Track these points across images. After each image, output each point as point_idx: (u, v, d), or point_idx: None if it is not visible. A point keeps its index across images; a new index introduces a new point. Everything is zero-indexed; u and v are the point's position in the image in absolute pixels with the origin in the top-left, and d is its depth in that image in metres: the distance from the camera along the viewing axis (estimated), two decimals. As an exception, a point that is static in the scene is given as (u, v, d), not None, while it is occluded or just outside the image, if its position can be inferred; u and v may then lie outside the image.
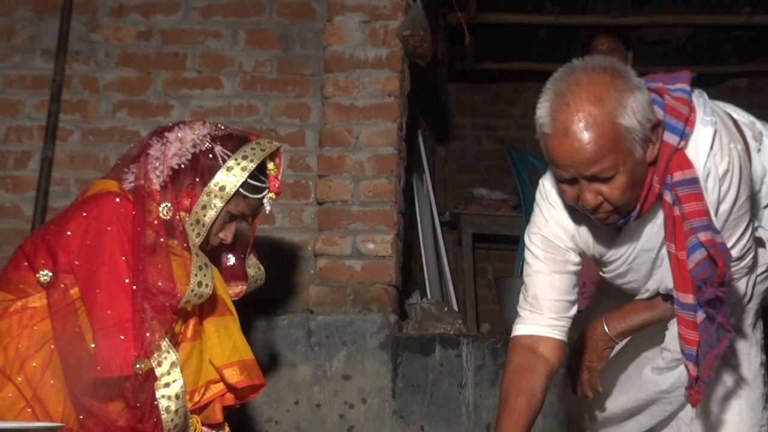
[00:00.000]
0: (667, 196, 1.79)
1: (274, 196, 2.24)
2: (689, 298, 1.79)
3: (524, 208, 5.22)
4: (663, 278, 1.95)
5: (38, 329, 1.97)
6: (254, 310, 3.27)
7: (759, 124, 2.05)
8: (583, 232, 1.96)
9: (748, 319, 2.04)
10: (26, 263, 2.03)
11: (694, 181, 1.75)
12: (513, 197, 5.49)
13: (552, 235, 1.96)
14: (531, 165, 5.41)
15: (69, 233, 1.98)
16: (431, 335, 3.33)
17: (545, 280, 1.97)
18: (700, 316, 1.79)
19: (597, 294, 2.42)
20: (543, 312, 1.98)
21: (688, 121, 1.77)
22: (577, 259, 1.98)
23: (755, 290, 2.01)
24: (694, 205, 1.74)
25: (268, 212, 2.26)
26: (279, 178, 2.25)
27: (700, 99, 1.85)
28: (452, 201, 5.85)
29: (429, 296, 4.01)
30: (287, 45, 3.60)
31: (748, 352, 2.05)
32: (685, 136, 1.77)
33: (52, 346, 1.96)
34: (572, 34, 5.90)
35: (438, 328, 3.41)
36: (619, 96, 1.69)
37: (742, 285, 1.95)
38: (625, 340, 2.13)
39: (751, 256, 1.94)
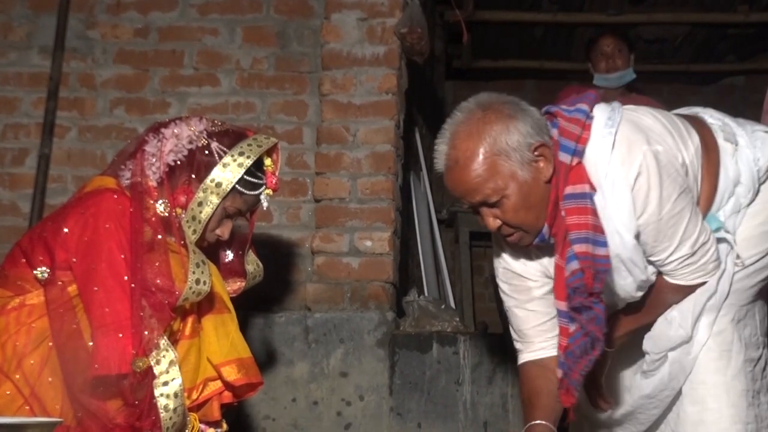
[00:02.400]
0: (562, 211, 1.90)
1: (271, 193, 2.24)
2: (563, 306, 1.92)
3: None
4: (618, 285, 2.00)
5: (36, 326, 1.97)
6: (252, 308, 3.27)
7: (735, 126, 2.10)
8: (533, 255, 2.08)
9: (729, 315, 2.05)
10: (24, 260, 2.03)
11: (582, 195, 1.87)
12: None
13: (509, 266, 2.12)
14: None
15: (66, 230, 1.98)
16: (428, 333, 3.33)
17: (520, 313, 2.12)
18: (574, 325, 1.90)
19: None
20: (533, 340, 2.12)
21: (580, 139, 1.89)
22: (539, 282, 2.09)
23: (733, 287, 2.04)
24: (576, 219, 1.86)
25: (265, 209, 2.26)
26: (276, 174, 2.24)
27: (604, 113, 1.94)
28: (449, 199, 5.85)
29: (426, 294, 4.01)
30: (284, 42, 3.60)
31: (728, 349, 2.05)
32: (577, 153, 1.88)
33: (50, 344, 1.96)
34: (569, 31, 5.90)
35: (435, 326, 3.41)
36: (490, 128, 1.87)
37: (712, 282, 2.00)
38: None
39: (710, 252, 1.98)
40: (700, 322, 2.04)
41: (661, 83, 6.55)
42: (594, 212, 1.87)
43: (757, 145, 2.08)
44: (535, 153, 1.89)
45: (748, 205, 2.08)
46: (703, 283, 2.02)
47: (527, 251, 2.07)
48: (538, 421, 2.01)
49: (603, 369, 2.10)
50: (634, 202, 1.89)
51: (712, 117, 2.14)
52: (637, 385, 2.11)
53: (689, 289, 2.03)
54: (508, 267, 2.12)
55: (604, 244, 1.86)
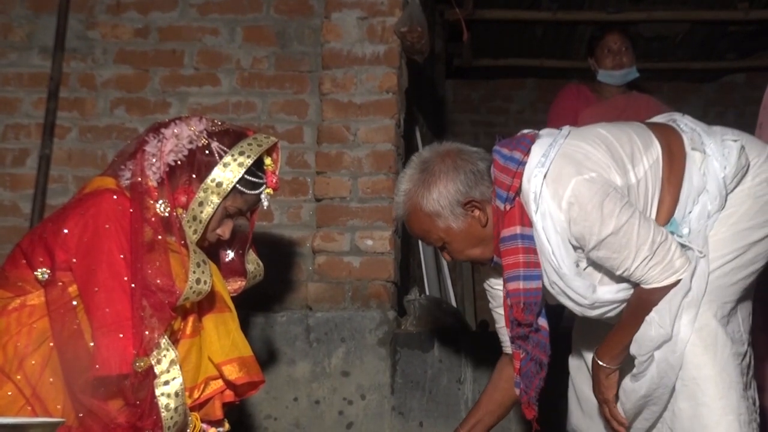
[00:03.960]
0: (501, 250, 2.15)
1: (271, 192, 2.24)
2: (509, 334, 2.21)
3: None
4: (578, 289, 2.12)
5: (37, 327, 1.97)
6: (253, 307, 3.27)
7: (705, 135, 2.18)
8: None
9: (710, 311, 2.10)
10: (24, 261, 2.03)
11: (513, 237, 2.10)
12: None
13: (486, 276, 2.39)
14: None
15: (66, 231, 1.98)
16: (430, 331, 3.33)
17: (495, 315, 2.39)
18: (522, 353, 2.19)
19: (577, 323, 2.50)
20: (505, 338, 2.37)
21: (511, 187, 2.10)
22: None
23: (713, 285, 2.10)
24: (508, 259, 2.12)
25: (265, 208, 2.26)
26: (276, 173, 2.24)
27: (539, 151, 2.11)
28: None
29: (427, 292, 4.01)
30: (285, 42, 3.60)
31: (713, 342, 2.09)
32: (509, 200, 2.11)
33: (51, 344, 1.96)
34: (570, 30, 5.90)
35: (437, 325, 3.41)
36: (423, 191, 2.13)
37: (686, 280, 2.06)
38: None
39: (671, 251, 2.05)
40: (681, 320, 2.08)
41: (662, 81, 6.54)
42: (525, 250, 2.10)
43: (724, 153, 2.15)
44: (466, 207, 2.13)
45: (719, 211, 2.14)
46: (678, 282, 2.06)
47: (499, 270, 2.25)
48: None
49: (614, 391, 2.19)
50: (577, 232, 2.05)
51: (686, 126, 2.23)
52: (631, 389, 2.15)
53: (665, 291, 2.07)
54: (487, 279, 2.39)
55: (537, 277, 2.11)
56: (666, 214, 2.15)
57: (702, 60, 6.35)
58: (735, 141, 2.17)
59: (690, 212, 2.14)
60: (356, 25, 3.49)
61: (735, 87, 6.70)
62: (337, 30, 3.49)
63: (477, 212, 2.14)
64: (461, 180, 2.13)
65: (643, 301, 2.10)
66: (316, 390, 3.28)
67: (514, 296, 2.11)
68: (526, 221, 2.10)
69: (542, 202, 2.07)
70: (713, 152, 2.15)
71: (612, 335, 2.17)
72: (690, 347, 2.09)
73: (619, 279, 2.13)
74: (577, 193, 2.03)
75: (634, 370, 2.13)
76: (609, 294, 2.14)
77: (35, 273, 2.00)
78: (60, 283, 1.96)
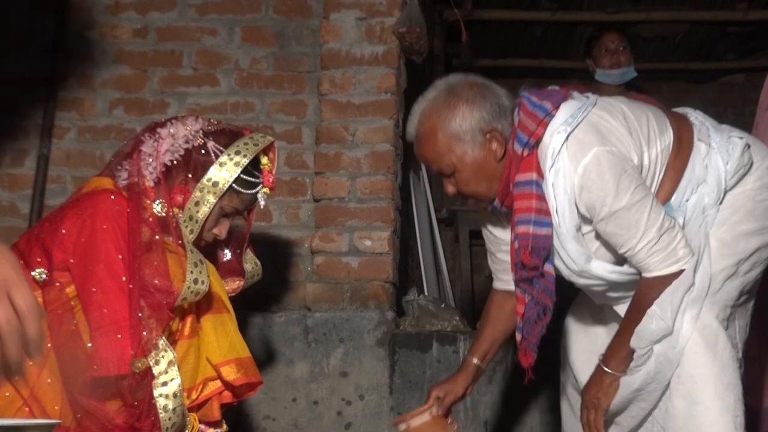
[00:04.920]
0: (512, 195, 2.15)
1: (268, 191, 2.23)
2: (514, 277, 2.19)
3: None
4: (570, 252, 2.13)
5: (35, 327, 1.96)
6: (251, 308, 3.27)
7: (712, 130, 2.20)
8: (505, 221, 2.31)
9: (713, 312, 2.10)
10: (21, 261, 2.02)
11: (528, 182, 2.09)
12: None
13: (485, 222, 2.42)
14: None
15: (64, 231, 1.98)
16: (428, 332, 3.33)
17: (492, 256, 2.45)
18: (528, 296, 2.16)
19: (572, 306, 2.51)
20: (500, 277, 2.43)
21: (533, 134, 2.09)
22: (505, 241, 2.30)
23: (716, 286, 2.11)
24: (521, 203, 2.10)
25: (262, 207, 2.25)
26: (273, 172, 2.24)
27: (567, 112, 2.11)
28: (449, 198, 5.85)
29: (426, 293, 4.01)
30: (283, 42, 3.60)
31: (714, 343, 2.09)
32: (528, 146, 2.09)
33: (49, 345, 1.95)
34: (569, 30, 5.90)
35: (435, 325, 3.40)
36: (447, 111, 2.12)
37: (689, 275, 2.06)
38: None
39: (677, 239, 2.05)
40: (684, 317, 2.08)
41: (661, 81, 6.55)
42: (539, 197, 2.08)
43: (728, 149, 2.17)
44: (487, 136, 2.12)
45: (715, 205, 2.15)
46: (680, 273, 2.06)
47: (499, 216, 2.31)
48: (471, 357, 2.40)
49: (611, 400, 2.16)
50: (589, 201, 2.05)
51: (696, 119, 2.25)
52: (625, 381, 2.14)
53: (666, 283, 2.07)
54: (484, 221, 2.42)
55: (548, 225, 2.08)
56: (663, 198, 2.15)
57: (701, 60, 6.35)
58: (740, 138, 2.20)
59: (687, 200, 2.15)
60: (355, 26, 3.49)
61: (734, 87, 6.71)
62: (335, 30, 3.49)
63: (495, 145, 2.12)
64: (486, 108, 2.12)
65: (644, 297, 2.09)
66: (315, 390, 3.27)
67: (523, 239, 2.09)
68: (540, 173, 2.10)
69: (559, 159, 2.06)
70: (718, 146, 2.17)
71: (616, 338, 2.15)
72: (691, 345, 2.09)
73: (616, 260, 2.13)
74: (597, 162, 2.03)
75: (632, 364, 2.12)
76: (601, 269, 2.14)
77: (33, 273, 1.99)
78: (57, 284, 1.96)
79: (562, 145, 2.06)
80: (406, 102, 3.68)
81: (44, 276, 1.98)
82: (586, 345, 2.39)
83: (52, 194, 3.54)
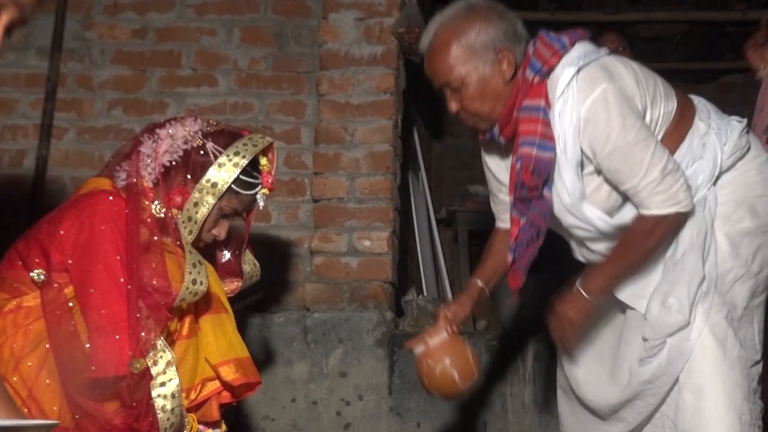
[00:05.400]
0: (516, 119, 2.17)
1: (267, 192, 2.23)
2: (512, 199, 2.21)
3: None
4: (567, 183, 2.15)
5: (33, 328, 1.97)
6: (250, 308, 3.27)
7: (714, 113, 2.25)
8: (504, 158, 2.37)
9: (722, 312, 2.13)
10: (20, 262, 2.02)
11: (536, 108, 2.12)
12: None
13: (486, 161, 2.45)
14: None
15: (62, 232, 1.98)
16: (427, 332, 3.32)
17: (493, 197, 2.49)
18: (524, 218, 2.19)
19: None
20: (501, 216, 2.48)
21: (547, 62, 2.13)
22: (504, 180, 2.35)
23: (722, 287, 2.14)
24: (526, 126, 2.13)
25: (261, 208, 2.25)
26: (272, 173, 2.24)
27: (581, 50, 2.15)
28: (448, 198, 5.85)
29: (425, 293, 4.01)
30: (282, 42, 3.60)
31: (723, 340, 2.11)
32: (540, 73, 2.13)
33: (48, 346, 1.95)
34: (567, 30, 5.89)
35: (434, 325, 3.40)
36: (464, 24, 2.15)
37: (699, 267, 2.10)
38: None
39: (680, 182, 2.08)
40: (697, 310, 2.11)
41: (660, 81, 6.54)
42: (545, 123, 2.11)
43: (727, 132, 2.21)
44: (499, 55, 2.14)
45: (708, 184, 2.17)
46: (677, 216, 2.09)
47: (501, 153, 2.36)
48: (476, 279, 2.44)
49: (583, 318, 2.20)
50: (593, 136, 2.08)
51: (699, 101, 2.30)
52: (636, 372, 2.16)
53: (661, 226, 2.10)
54: (486, 161, 2.44)
55: (551, 149, 2.11)
56: None
57: (700, 60, 6.34)
58: (740, 122, 2.25)
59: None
60: (354, 26, 3.49)
61: (733, 87, 6.70)
62: (334, 31, 3.49)
63: (506, 65, 2.15)
64: (503, 29, 2.16)
65: (637, 233, 2.12)
66: (314, 391, 3.27)
67: (525, 159, 2.11)
68: (548, 101, 2.12)
69: (568, 90, 2.10)
70: (717, 127, 2.21)
71: (601, 266, 2.19)
72: (702, 341, 2.11)
73: (606, 209, 2.16)
74: (604, 98, 2.06)
75: (644, 354, 2.14)
76: (590, 212, 2.17)
77: (31, 274, 1.99)
78: (56, 285, 1.96)
79: (573, 77, 2.09)
80: (405, 102, 3.68)
81: (42, 277, 1.98)
82: (583, 345, 2.40)
83: (51, 195, 3.54)
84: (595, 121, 2.06)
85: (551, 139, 2.10)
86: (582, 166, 2.14)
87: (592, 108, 2.06)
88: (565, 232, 2.29)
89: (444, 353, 2.27)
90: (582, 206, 2.16)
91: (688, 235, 2.15)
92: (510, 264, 2.26)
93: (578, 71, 2.09)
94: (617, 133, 2.05)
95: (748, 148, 2.24)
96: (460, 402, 3.23)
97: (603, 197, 2.17)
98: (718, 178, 2.20)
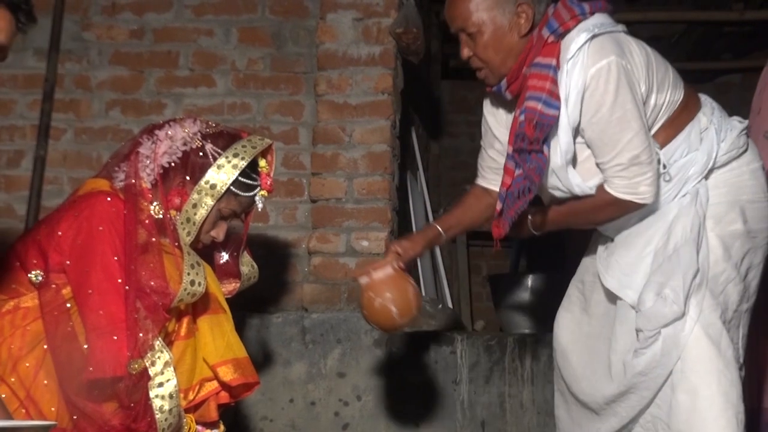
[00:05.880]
0: (526, 75, 2.22)
1: (266, 194, 2.23)
2: (510, 150, 2.24)
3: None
4: (562, 144, 2.19)
5: (31, 329, 1.97)
6: (248, 308, 3.27)
7: (717, 110, 2.29)
8: (505, 114, 2.41)
9: (717, 312, 2.15)
10: (18, 263, 2.02)
11: (547, 66, 2.16)
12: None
13: (486, 114, 2.48)
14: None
15: (60, 233, 1.98)
16: (426, 332, 3.33)
17: (483, 152, 2.52)
18: (519, 170, 2.20)
19: (562, 308, 2.53)
20: (485, 175, 2.53)
21: (564, 24, 2.17)
22: (501, 137, 2.41)
23: (726, 289, 2.17)
24: (535, 82, 2.16)
25: (260, 210, 2.26)
26: (271, 175, 2.24)
27: (599, 20, 2.20)
28: (446, 198, 5.85)
29: (423, 293, 4.01)
30: (280, 43, 3.60)
31: (718, 340, 2.13)
32: (556, 33, 2.17)
33: (45, 346, 1.95)
34: (565, 30, 5.89)
35: (432, 326, 3.40)
36: None
37: (693, 259, 2.13)
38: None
39: (647, 174, 2.13)
40: (690, 302, 2.13)
41: (658, 81, 6.54)
42: (553, 81, 2.15)
43: (727, 130, 2.26)
44: (518, 9, 2.20)
45: (700, 176, 2.21)
46: (633, 205, 2.15)
47: (504, 108, 2.38)
48: (436, 224, 2.49)
49: (524, 230, 2.35)
50: (586, 101, 2.13)
51: (705, 97, 2.35)
52: (629, 364, 2.17)
53: (616, 207, 2.17)
54: (486, 114, 2.47)
55: (556, 107, 2.14)
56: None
57: (697, 60, 6.35)
58: (741, 122, 2.29)
59: (675, 162, 2.22)
60: (351, 26, 3.49)
61: (731, 87, 6.70)
62: (332, 31, 3.49)
63: (523, 20, 2.20)
64: None
65: (594, 203, 2.21)
66: (312, 391, 3.27)
67: (530, 113, 2.15)
68: (559, 62, 2.17)
69: (579, 54, 2.14)
70: (717, 123, 2.25)
71: (552, 211, 2.31)
72: (696, 340, 2.12)
73: (586, 179, 2.22)
74: (608, 69, 2.10)
75: (638, 345, 2.16)
76: (573, 177, 2.22)
77: (29, 275, 1.99)
78: (54, 285, 1.96)
79: (585, 43, 2.13)
80: (403, 103, 3.68)
81: (40, 278, 1.98)
82: (579, 346, 2.40)
83: (49, 196, 3.53)
84: (593, 88, 2.11)
85: (557, 98, 2.14)
86: (577, 132, 2.19)
87: (595, 76, 2.11)
88: (545, 193, 2.34)
89: (385, 288, 2.33)
90: (568, 171, 2.21)
91: (680, 228, 2.18)
92: (497, 212, 2.28)
93: (592, 38, 2.14)
94: (607, 107, 2.11)
95: (745, 150, 2.27)
96: (458, 402, 3.23)
97: (591, 169, 2.22)
98: (710, 172, 2.23)
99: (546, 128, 2.14)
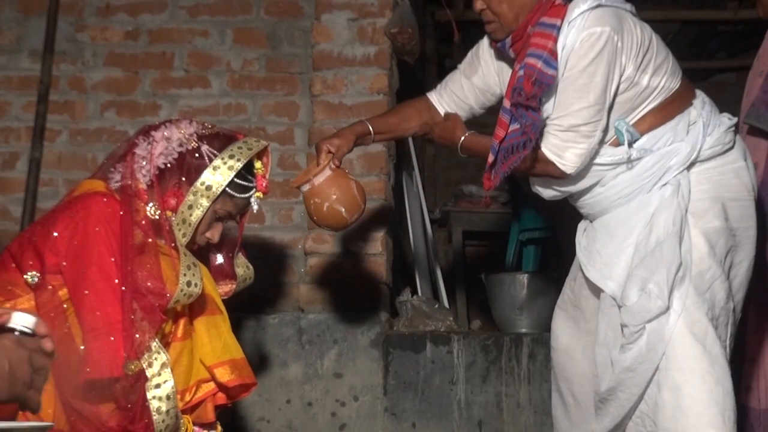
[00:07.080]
0: (532, 32, 2.24)
1: (261, 196, 2.24)
2: (507, 104, 2.24)
3: (514, 205, 5.22)
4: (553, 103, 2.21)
5: (27, 331, 1.96)
6: (245, 309, 3.26)
7: (709, 106, 2.31)
8: (500, 63, 2.44)
9: (703, 308, 2.15)
10: (13, 265, 2.02)
11: (552, 26, 2.19)
12: (503, 194, 5.49)
13: (481, 49, 2.49)
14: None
15: (56, 234, 1.97)
16: (422, 332, 3.33)
17: (455, 77, 2.53)
18: (516, 124, 2.20)
19: (558, 309, 2.53)
20: (443, 96, 2.53)
21: None
22: (486, 79, 2.47)
23: (712, 286, 2.17)
24: (538, 40, 2.19)
25: (255, 211, 2.25)
26: (266, 177, 2.24)
27: None
28: (442, 198, 5.85)
29: (420, 293, 4.01)
30: (275, 43, 3.60)
31: (703, 338, 2.13)
32: None
33: (42, 347, 1.95)
34: (560, 30, 5.90)
35: (429, 326, 3.41)
36: None
37: (676, 253, 2.13)
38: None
39: (579, 146, 2.17)
40: (674, 295, 2.14)
41: (652, 81, 6.55)
42: (555, 40, 2.18)
43: (716, 125, 2.28)
44: None
45: (682, 167, 2.22)
46: (553, 168, 2.20)
47: (503, 61, 2.41)
48: (368, 123, 2.50)
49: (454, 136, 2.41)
50: (570, 60, 2.17)
51: (700, 92, 2.38)
52: (617, 360, 2.18)
53: (539, 164, 2.21)
54: (483, 48, 2.48)
55: (555, 68, 2.16)
56: (646, 126, 2.25)
57: (692, 59, 6.35)
58: (730, 119, 2.31)
59: (659, 149, 2.23)
60: (346, 27, 3.49)
61: (725, 86, 6.71)
62: (327, 31, 3.49)
63: None
64: None
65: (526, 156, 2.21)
66: (309, 392, 3.27)
67: (530, 69, 2.17)
68: (563, 24, 2.20)
69: (579, 18, 2.18)
70: (706, 118, 2.27)
71: (481, 139, 2.35)
72: (680, 338, 2.12)
73: None
74: (598, 38, 2.14)
75: (623, 341, 2.16)
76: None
77: (25, 276, 1.99)
78: (50, 287, 1.95)
79: (589, 9, 2.17)
80: (397, 103, 3.68)
81: (36, 279, 1.98)
82: (576, 346, 2.41)
83: (44, 197, 3.53)
84: (576, 49, 2.16)
85: (557, 59, 2.18)
86: None
87: (584, 39, 2.15)
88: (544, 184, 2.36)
89: (329, 190, 2.34)
90: None
91: (662, 222, 2.19)
92: (488, 164, 2.26)
93: (597, 6, 2.17)
94: (577, 70, 2.15)
95: (731, 147, 2.28)
96: (455, 402, 3.23)
97: None
98: (693, 165, 2.24)
99: (544, 86, 2.16)
